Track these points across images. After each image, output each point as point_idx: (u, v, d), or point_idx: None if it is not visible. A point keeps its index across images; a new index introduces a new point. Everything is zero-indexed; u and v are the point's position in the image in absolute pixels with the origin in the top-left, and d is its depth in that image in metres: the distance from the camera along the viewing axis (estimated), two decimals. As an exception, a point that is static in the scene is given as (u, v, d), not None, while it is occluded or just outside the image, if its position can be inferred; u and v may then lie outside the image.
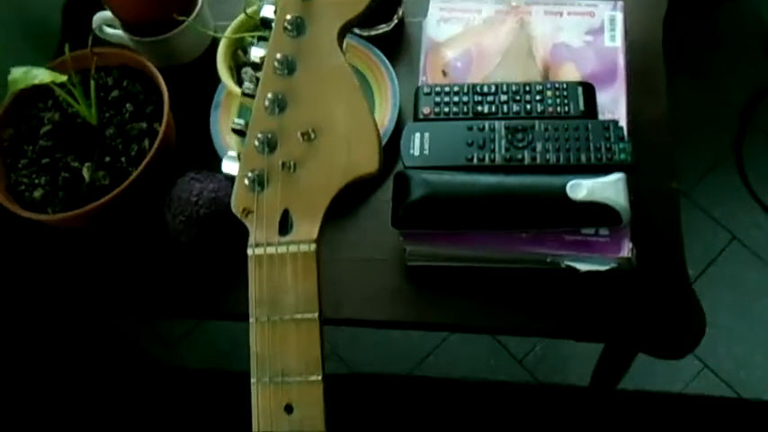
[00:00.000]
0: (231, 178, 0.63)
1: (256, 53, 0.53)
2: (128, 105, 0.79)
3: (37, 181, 0.77)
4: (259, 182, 0.50)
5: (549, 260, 0.73)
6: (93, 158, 0.76)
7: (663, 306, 0.73)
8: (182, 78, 0.88)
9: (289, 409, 0.47)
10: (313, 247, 0.49)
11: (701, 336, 0.72)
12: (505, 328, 0.75)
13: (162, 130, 0.75)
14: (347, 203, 0.80)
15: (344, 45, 0.53)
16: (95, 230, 0.79)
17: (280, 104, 0.51)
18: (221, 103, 0.85)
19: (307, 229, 0.49)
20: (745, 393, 1.27)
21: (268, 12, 0.54)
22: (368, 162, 0.49)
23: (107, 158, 0.76)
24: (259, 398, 0.48)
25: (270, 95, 0.50)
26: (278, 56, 0.51)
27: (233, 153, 0.53)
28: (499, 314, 0.74)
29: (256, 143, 0.50)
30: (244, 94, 0.54)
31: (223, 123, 0.84)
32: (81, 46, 0.91)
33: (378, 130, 0.50)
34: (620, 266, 0.72)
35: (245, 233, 0.50)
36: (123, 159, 0.76)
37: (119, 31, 0.89)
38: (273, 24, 0.52)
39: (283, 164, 0.50)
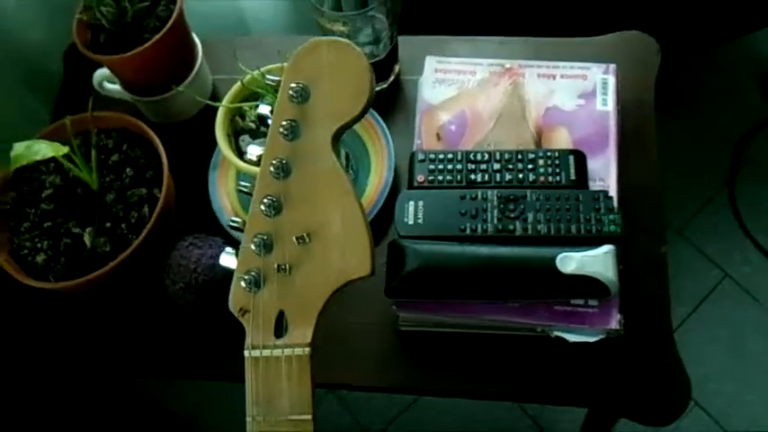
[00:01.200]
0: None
1: (253, 151, 0.55)
2: (128, 170, 0.80)
3: (39, 245, 0.78)
4: (255, 282, 0.52)
5: (539, 330, 0.74)
6: (94, 224, 0.78)
7: (649, 374, 0.74)
8: (180, 135, 0.90)
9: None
10: (307, 350, 0.50)
11: (686, 405, 0.73)
12: (492, 393, 0.77)
13: (162, 197, 0.76)
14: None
15: (340, 144, 0.55)
16: (96, 294, 0.80)
17: (275, 207, 0.52)
18: (219, 164, 0.86)
19: (301, 332, 0.51)
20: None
21: (264, 110, 0.55)
22: (360, 266, 0.51)
23: (108, 224, 0.78)
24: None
25: (266, 199, 0.52)
26: (273, 160, 0.52)
27: (231, 249, 0.54)
28: (486, 380, 0.76)
29: (252, 246, 0.52)
30: (240, 191, 0.55)
31: (221, 184, 0.85)
32: (80, 91, 0.93)
33: (370, 234, 0.51)
34: (608, 335, 0.73)
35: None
36: (124, 226, 0.78)
37: (118, 87, 0.91)
38: (270, 126, 0.54)
39: (279, 266, 0.52)
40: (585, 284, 0.72)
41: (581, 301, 0.74)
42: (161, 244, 0.78)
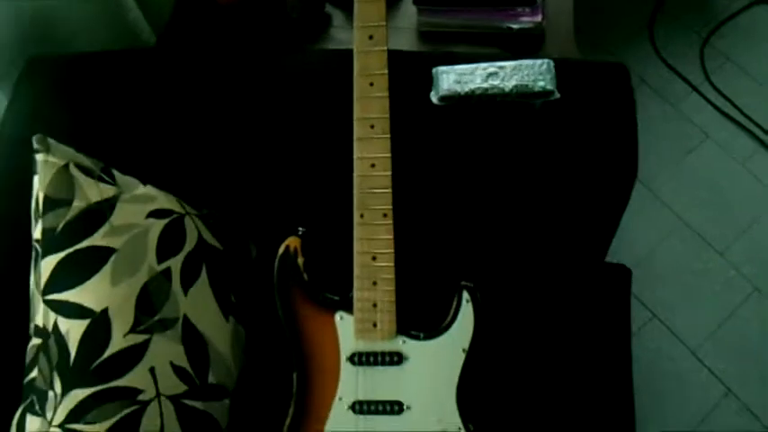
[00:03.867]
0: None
1: None
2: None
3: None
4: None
5: (499, 24, 1.33)
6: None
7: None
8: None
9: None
10: None
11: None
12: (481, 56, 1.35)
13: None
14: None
15: None
16: (245, 6, 1.39)
17: None
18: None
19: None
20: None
21: None
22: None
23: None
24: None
25: None
26: None
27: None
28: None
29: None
30: None
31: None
32: None
33: None
34: (536, 27, 1.32)
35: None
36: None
37: None
38: None
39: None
40: (523, -4, 1.31)
41: (521, 8, 1.32)
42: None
